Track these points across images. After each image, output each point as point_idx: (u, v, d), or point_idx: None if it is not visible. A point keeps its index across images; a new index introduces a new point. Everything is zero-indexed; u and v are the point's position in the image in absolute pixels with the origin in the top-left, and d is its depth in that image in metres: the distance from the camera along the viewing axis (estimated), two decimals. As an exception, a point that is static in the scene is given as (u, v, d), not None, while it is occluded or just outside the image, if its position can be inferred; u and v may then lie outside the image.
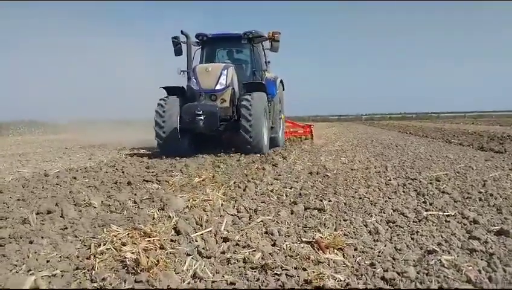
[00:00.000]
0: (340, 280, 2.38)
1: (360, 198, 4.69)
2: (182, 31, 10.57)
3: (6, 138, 25.62)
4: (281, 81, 12.72)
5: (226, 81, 9.91)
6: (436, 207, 4.19)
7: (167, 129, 9.56)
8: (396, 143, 13.40)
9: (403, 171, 6.84)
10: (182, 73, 10.40)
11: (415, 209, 4.15)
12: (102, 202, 4.54)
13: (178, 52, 10.97)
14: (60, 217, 3.89)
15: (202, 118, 9.05)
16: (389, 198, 4.70)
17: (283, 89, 13.18)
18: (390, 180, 5.90)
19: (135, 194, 5.02)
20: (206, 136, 10.39)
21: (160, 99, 9.95)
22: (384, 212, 4.00)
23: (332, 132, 24.53)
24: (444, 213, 3.91)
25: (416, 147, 11.87)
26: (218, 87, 9.82)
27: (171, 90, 10.43)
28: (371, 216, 3.84)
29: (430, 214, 3.87)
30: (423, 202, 4.46)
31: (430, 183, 5.59)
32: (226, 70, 9.97)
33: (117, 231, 3.17)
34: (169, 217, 3.80)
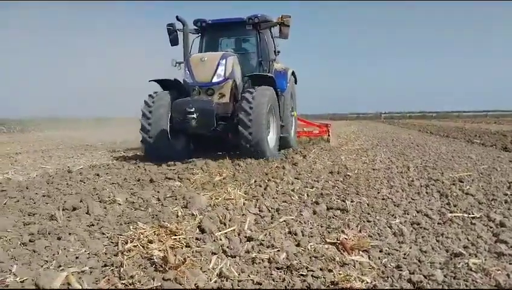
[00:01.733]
0: (367, 282, 2.38)
1: (383, 199, 4.67)
2: (177, 17, 9.23)
3: (28, 134, 26.11)
4: (293, 73, 11.11)
5: (225, 73, 8.48)
6: (461, 209, 4.14)
7: (154, 130, 8.26)
8: (417, 143, 13.25)
9: (425, 171, 6.77)
10: (177, 65, 9.05)
11: (439, 211, 4.11)
12: (126, 199, 4.61)
13: (174, 41, 9.58)
14: (86, 213, 3.97)
15: (195, 116, 7.73)
16: (412, 199, 4.66)
17: (295, 82, 11.64)
18: (413, 181, 5.84)
19: (158, 192, 5.08)
20: (204, 137, 8.98)
21: (149, 95, 8.65)
22: (408, 214, 3.98)
23: (351, 130, 24.36)
24: (469, 215, 3.87)
25: (437, 146, 11.71)
26: (215, 79, 8.43)
27: (164, 84, 9.13)
28: (395, 217, 3.81)
29: (454, 216, 3.83)
30: (447, 204, 4.41)
31: (453, 184, 5.52)
32: (224, 60, 8.52)
33: (143, 229, 3.22)
34: (193, 215, 3.85)
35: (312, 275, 2.48)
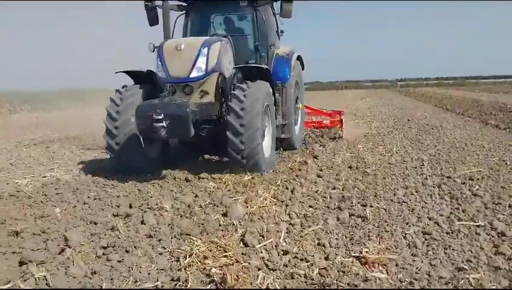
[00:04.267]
0: (386, 299, 2.98)
1: (399, 202, 5.23)
2: None
3: (50, 113, 26.78)
4: (299, 58, 9.47)
5: (207, 65, 6.88)
6: (468, 215, 4.68)
7: (122, 135, 6.87)
8: (432, 124, 13.67)
9: (439, 165, 7.28)
10: (155, 50, 7.28)
11: (448, 217, 4.66)
12: (172, 205, 5.26)
13: (153, 20, 8.04)
14: (141, 223, 4.62)
15: (164, 124, 6.18)
16: (425, 203, 5.21)
17: (302, 68, 9.92)
18: (426, 178, 6.38)
19: (196, 196, 5.71)
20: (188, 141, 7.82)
21: (117, 91, 7.24)
22: (421, 221, 4.53)
23: (366, 106, 24.75)
24: (475, 223, 4.42)
25: (452, 130, 12.14)
26: (194, 74, 6.85)
27: (136, 77, 7.63)
28: (409, 226, 4.38)
29: (461, 225, 4.38)
30: (456, 208, 4.95)
31: (464, 183, 6.04)
32: (206, 48, 6.90)
33: (197, 244, 3.86)
34: (233, 224, 4.50)
35: (341, 290, 3.09)
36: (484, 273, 3.31)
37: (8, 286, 3.23)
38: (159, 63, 7.01)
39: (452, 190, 5.75)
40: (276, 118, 7.93)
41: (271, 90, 7.51)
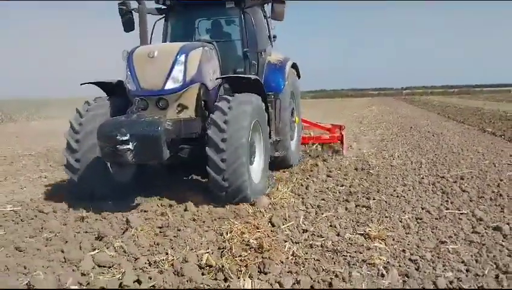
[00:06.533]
0: (384, 260, 3.94)
1: (398, 196, 6.19)
2: None
3: (61, 120, 27.85)
4: (294, 65, 8.60)
5: (186, 75, 5.99)
6: (455, 206, 5.65)
7: (84, 157, 5.99)
8: (434, 131, 14.60)
9: (435, 167, 8.24)
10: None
11: (438, 207, 5.62)
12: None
13: (128, 25, 7.17)
14: (185, 211, 5.62)
15: (130, 146, 5.27)
16: (419, 197, 6.18)
17: (298, 76, 9.10)
18: (423, 178, 7.33)
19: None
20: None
21: (86, 102, 6.40)
22: (415, 210, 5.50)
23: (372, 114, 25.70)
24: (459, 211, 5.38)
25: (451, 137, 13.09)
26: (169, 85, 5.93)
27: (106, 88, 6.77)
28: (405, 213, 5.35)
29: (448, 213, 5.35)
30: (446, 201, 5.91)
31: (455, 182, 6.99)
32: (184, 56, 6.00)
33: (235, 224, 4.86)
34: (261, 211, 5.50)
35: (350, 255, 4.06)
36: (461, 245, 4.27)
37: (96, 251, 4.24)
38: (128, 73, 6.08)
39: (444, 187, 6.70)
40: (273, 134, 7.26)
41: (262, 103, 6.45)
